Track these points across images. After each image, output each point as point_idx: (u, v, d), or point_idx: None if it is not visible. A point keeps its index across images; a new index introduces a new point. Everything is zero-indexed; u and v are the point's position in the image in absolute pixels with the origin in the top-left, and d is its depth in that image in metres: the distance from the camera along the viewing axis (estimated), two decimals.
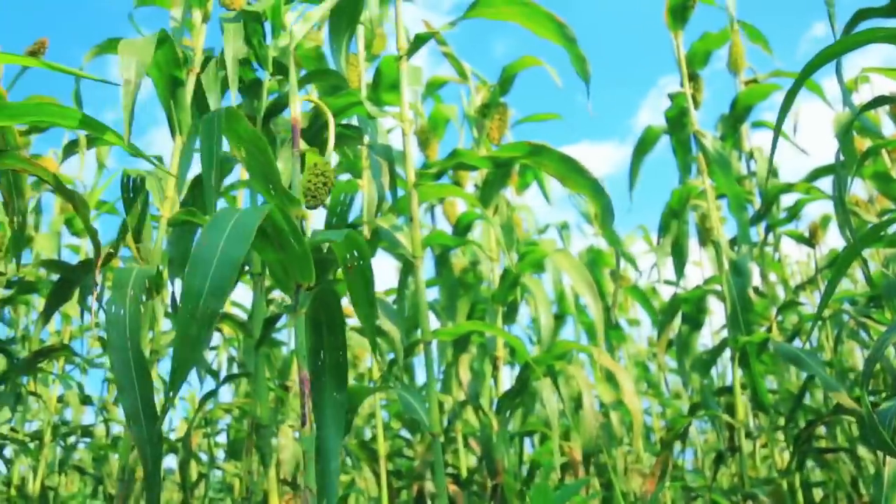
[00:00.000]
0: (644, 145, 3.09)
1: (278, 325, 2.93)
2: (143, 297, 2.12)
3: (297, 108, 1.73)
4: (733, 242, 2.94)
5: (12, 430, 3.60)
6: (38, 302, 3.67)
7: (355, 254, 1.55)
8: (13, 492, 3.70)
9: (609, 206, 2.18)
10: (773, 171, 3.19)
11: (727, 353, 3.52)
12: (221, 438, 5.72)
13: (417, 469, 3.58)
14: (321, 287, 1.55)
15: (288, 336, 3.81)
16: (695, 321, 2.99)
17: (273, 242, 1.47)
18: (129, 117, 1.69)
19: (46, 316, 2.83)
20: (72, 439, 4.24)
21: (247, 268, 2.80)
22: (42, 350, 3.22)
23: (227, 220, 1.32)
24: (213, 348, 4.58)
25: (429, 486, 3.72)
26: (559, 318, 3.80)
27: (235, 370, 4.68)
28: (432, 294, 4.14)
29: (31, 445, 3.72)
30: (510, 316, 3.25)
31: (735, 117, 2.95)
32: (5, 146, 1.99)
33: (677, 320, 3.21)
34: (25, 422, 3.86)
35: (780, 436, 3.21)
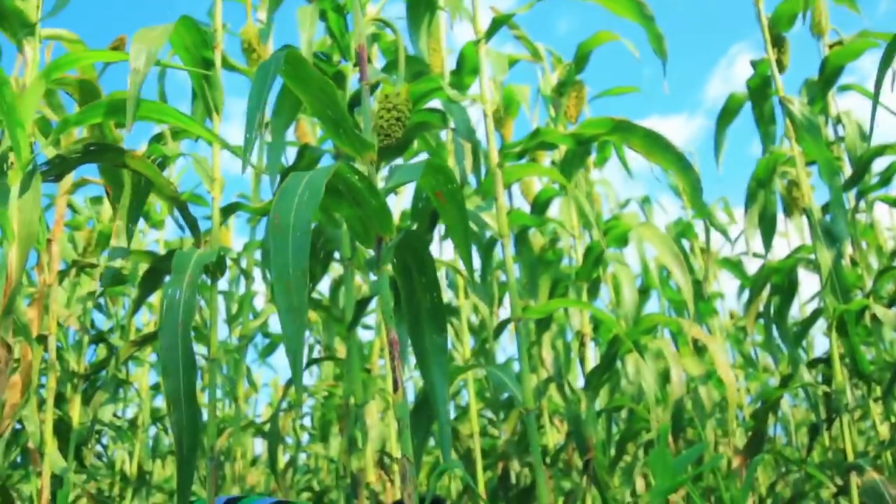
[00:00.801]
0: (728, 114, 3.02)
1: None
2: (208, 279, 2.17)
3: (364, 32, 1.68)
4: (824, 210, 2.86)
5: (115, 416, 3.74)
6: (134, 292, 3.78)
7: (442, 182, 1.54)
8: (116, 475, 3.85)
9: (697, 182, 2.14)
10: (864, 135, 3.08)
11: (818, 325, 3.43)
12: (305, 422, 5.82)
13: (502, 448, 3.59)
14: (405, 233, 1.53)
15: (375, 320, 3.84)
16: (787, 292, 2.91)
17: (347, 199, 1.46)
18: (133, 105, 1.69)
19: (137, 304, 2.92)
20: (166, 422, 4.37)
21: (336, 254, 2.85)
22: (137, 339, 3.33)
23: (297, 186, 1.32)
24: None
25: (514, 464, 3.73)
26: (643, 293, 3.76)
27: (315, 355, 4.77)
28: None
29: (128, 431, 3.86)
30: (593, 292, 3.22)
31: (824, 80, 2.85)
32: (103, 140, 2.06)
33: (765, 292, 3.14)
34: (123, 408, 4.01)
35: (876, 408, 3.13)
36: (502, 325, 2.41)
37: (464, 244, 1.69)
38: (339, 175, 1.40)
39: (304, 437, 5.27)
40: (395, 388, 1.49)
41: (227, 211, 2.70)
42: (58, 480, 2.93)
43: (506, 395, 3.57)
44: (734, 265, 4.01)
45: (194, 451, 1.68)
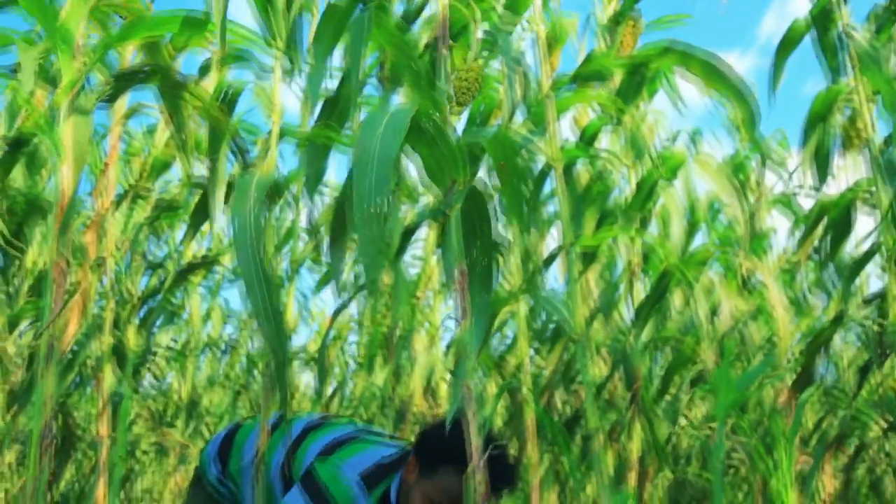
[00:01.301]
0: (788, 44, 2.92)
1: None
2: (266, 204, 2.19)
3: (445, 11, 1.69)
4: (886, 143, 2.78)
5: (173, 340, 3.85)
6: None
7: (506, 155, 1.56)
8: (169, 398, 3.98)
9: (755, 110, 2.09)
10: None
11: (872, 264, 3.36)
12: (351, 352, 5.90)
13: (548, 378, 3.62)
14: (471, 185, 1.55)
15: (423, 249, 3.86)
16: (842, 228, 2.86)
17: (427, 138, 1.48)
18: (222, 24, 1.70)
19: (192, 232, 2.97)
20: (222, 348, 4.49)
21: None
22: (187, 265, 3.40)
23: (380, 120, 1.36)
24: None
25: (558, 395, 3.77)
26: (691, 229, 3.70)
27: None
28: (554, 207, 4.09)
29: (181, 356, 3.97)
30: (642, 227, 3.19)
31: (894, 6, 2.73)
32: (156, 64, 2.07)
33: (819, 229, 3.08)
34: (177, 335, 4.12)
35: None
36: (553, 255, 2.41)
37: (519, 216, 1.70)
38: (417, 116, 1.42)
39: (349, 372, 5.35)
40: (464, 316, 1.53)
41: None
42: (115, 402, 3.04)
43: (552, 327, 3.58)
44: (787, 202, 3.94)
45: (286, 360, 1.72)
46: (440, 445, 1.83)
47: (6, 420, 3.24)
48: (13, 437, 3.36)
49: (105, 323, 2.96)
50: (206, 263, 3.18)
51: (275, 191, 2.29)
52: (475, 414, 1.44)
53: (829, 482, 3.52)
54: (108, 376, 2.69)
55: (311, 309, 5.08)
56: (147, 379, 4.18)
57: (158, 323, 3.62)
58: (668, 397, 3.63)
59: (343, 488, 1.81)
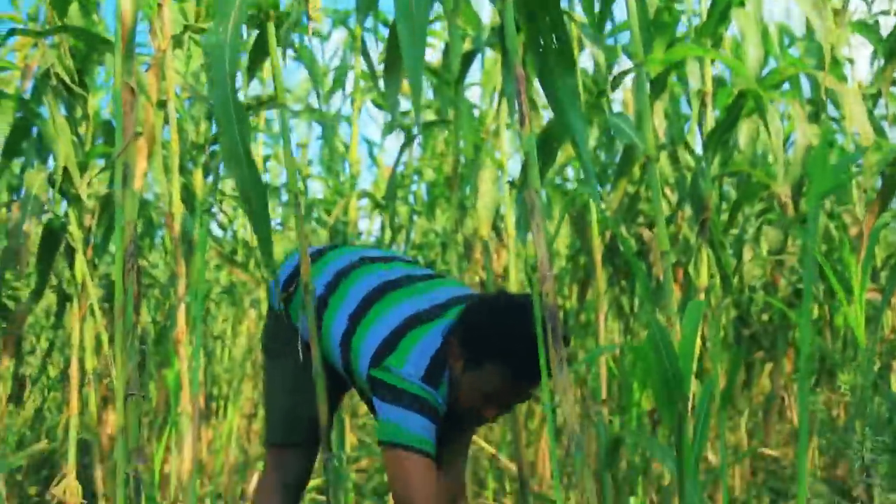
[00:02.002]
0: None
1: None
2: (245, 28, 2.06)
3: None
4: None
5: (233, 190, 3.90)
6: None
7: None
8: (238, 243, 4.07)
9: None
10: None
11: None
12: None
13: (612, 215, 3.58)
14: None
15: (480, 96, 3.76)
16: None
17: None
18: None
19: (251, 71, 2.93)
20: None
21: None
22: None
23: None
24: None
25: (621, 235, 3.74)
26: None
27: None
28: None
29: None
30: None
31: None
32: None
33: None
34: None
35: None
36: (621, 76, 2.32)
37: None
38: None
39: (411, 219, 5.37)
40: (522, 123, 1.47)
41: None
42: (187, 244, 3.12)
43: (615, 164, 3.52)
44: (869, 29, 3.70)
45: (265, 204, 1.65)
46: (486, 340, 1.77)
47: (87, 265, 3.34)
48: (95, 281, 3.49)
49: (171, 165, 2.99)
50: (263, 105, 3.16)
51: (273, 5, 2.16)
52: (541, 224, 1.41)
53: None
54: (179, 214, 2.74)
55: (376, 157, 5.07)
56: (213, 228, 4.28)
57: (222, 167, 3.66)
58: (734, 231, 3.59)
59: (416, 386, 1.78)
